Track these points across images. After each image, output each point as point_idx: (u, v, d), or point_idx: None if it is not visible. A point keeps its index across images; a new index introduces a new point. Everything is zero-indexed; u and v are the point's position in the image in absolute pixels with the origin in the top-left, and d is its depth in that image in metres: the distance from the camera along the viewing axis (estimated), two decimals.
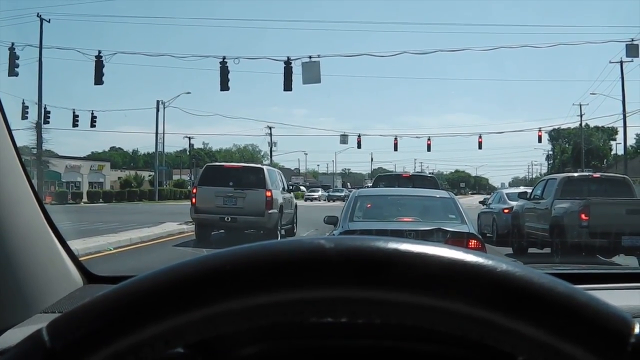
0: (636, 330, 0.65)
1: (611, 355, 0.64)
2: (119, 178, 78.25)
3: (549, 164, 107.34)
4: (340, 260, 0.68)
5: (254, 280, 0.68)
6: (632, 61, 43.11)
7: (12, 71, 34.30)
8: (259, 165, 24.79)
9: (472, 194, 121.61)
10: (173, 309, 0.68)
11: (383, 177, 25.96)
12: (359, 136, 62.63)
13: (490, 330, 0.67)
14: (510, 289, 0.67)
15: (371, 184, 28.69)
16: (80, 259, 1.93)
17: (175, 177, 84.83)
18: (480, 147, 57.98)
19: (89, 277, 1.90)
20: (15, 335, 1.35)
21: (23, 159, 1.69)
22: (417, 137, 65.71)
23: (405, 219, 10.00)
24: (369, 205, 10.90)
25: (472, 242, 9.03)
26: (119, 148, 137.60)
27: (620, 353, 0.64)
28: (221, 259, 0.71)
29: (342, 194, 75.11)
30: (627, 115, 50.17)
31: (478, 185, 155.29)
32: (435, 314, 0.68)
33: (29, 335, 0.72)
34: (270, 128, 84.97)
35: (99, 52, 33.50)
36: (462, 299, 0.67)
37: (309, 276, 0.68)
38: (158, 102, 61.32)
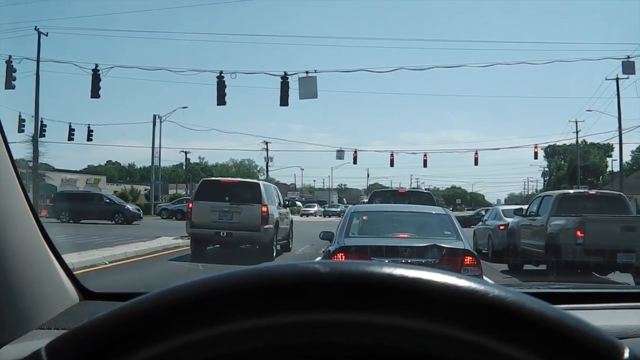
0: (626, 355, 0.66)
1: None
2: (115, 192, 78.10)
3: (544, 181, 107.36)
4: (335, 285, 0.69)
5: (250, 303, 0.69)
6: (627, 78, 43.54)
7: (9, 84, 34.28)
8: (255, 181, 24.77)
9: (467, 210, 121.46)
10: (171, 331, 0.69)
11: (379, 193, 25.91)
12: (355, 152, 62.63)
13: (483, 354, 0.68)
14: (502, 314, 0.68)
15: (367, 200, 28.64)
16: (75, 272, 1.92)
17: (172, 192, 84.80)
18: (476, 163, 57.98)
19: (85, 293, 1.90)
20: (12, 351, 1.34)
21: (19, 172, 1.69)
22: (413, 153, 65.85)
23: (401, 235, 9.98)
24: (364, 219, 10.90)
25: (468, 259, 9.00)
26: (115, 162, 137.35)
27: None
28: (218, 282, 0.72)
29: (338, 209, 75.09)
30: (622, 132, 50.34)
31: (474, 201, 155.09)
32: (428, 337, 0.69)
33: (27, 356, 0.72)
34: (266, 143, 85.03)
35: (96, 65, 33.50)
36: (455, 323, 0.68)
37: (305, 300, 0.69)
38: (155, 116, 61.36)
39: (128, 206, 45.55)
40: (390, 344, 0.70)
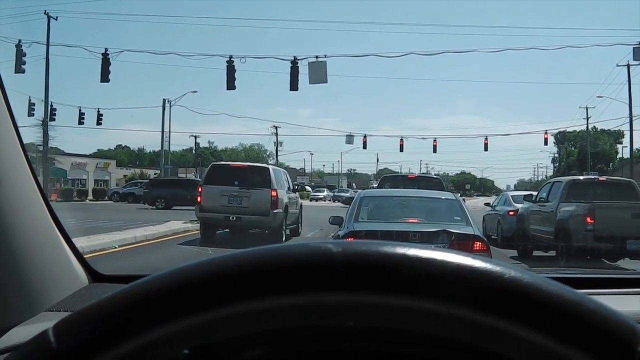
0: None
1: None
2: (125, 176, 78.48)
3: (554, 167, 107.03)
4: (347, 265, 0.68)
5: (259, 284, 0.68)
6: (639, 64, 43.12)
7: (19, 68, 34.35)
8: (264, 165, 24.77)
9: (477, 195, 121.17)
10: (178, 312, 0.68)
11: (388, 178, 25.89)
12: (365, 136, 62.59)
13: (497, 336, 0.67)
14: (518, 296, 0.66)
15: (377, 185, 28.63)
16: (85, 256, 1.92)
17: (181, 176, 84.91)
18: (486, 149, 57.87)
19: (94, 275, 1.90)
20: (21, 334, 1.35)
21: (29, 156, 1.69)
22: (423, 138, 65.51)
23: (411, 220, 9.97)
24: (373, 205, 10.90)
25: (477, 244, 9.01)
26: (125, 146, 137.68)
27: None
28: (227, 262, 0.70)
29: (347, 194, 75.11)
30: (633, 118, 50.10)
31: (483, 187, 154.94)
32: (441, 320, 0.67)
33: (35, 336, 0.72)
34: (276, 127, 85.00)
35: (106, 49, 33.60)
36: (469, 305, 0.66)
37: (316, 280, 0.68)
38: (164, 100, 61.21)
39: None
40: (400, 326, 0.69)
